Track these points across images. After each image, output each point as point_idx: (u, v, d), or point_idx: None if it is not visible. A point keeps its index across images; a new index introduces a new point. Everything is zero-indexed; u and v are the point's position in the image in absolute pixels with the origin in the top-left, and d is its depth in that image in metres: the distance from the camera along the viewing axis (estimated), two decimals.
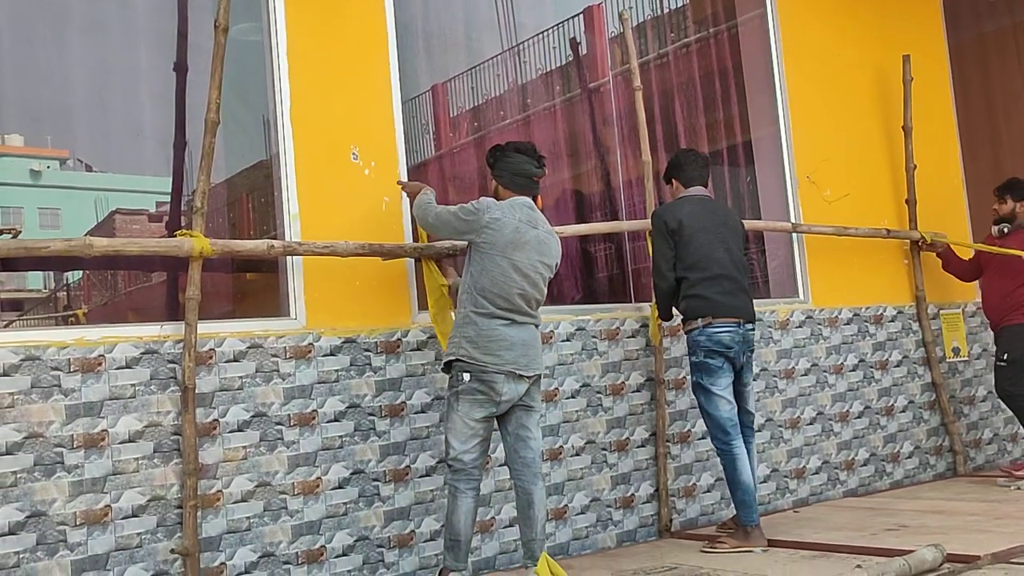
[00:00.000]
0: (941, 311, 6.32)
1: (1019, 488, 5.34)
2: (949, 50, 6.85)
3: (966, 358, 6.13)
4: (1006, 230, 5.77)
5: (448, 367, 3.80)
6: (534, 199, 3.93)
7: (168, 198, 4.54)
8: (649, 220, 4.89)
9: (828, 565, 3.76)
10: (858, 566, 3.45)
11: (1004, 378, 5.62)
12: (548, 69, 5.64)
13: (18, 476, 3.40)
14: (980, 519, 4.51)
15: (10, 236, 9.28)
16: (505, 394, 3.72)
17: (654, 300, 4.68)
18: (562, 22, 5.74)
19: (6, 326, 9.89)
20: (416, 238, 4.33)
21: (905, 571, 3.43)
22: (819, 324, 5.75)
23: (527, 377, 3.77)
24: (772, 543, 4.36)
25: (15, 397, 3.42)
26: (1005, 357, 5.59)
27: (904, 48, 6.35)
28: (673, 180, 4.68)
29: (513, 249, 3.76)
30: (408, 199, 4.24)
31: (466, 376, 3.70)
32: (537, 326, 3.90)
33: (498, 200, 3.87)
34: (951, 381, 6.31)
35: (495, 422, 3.84)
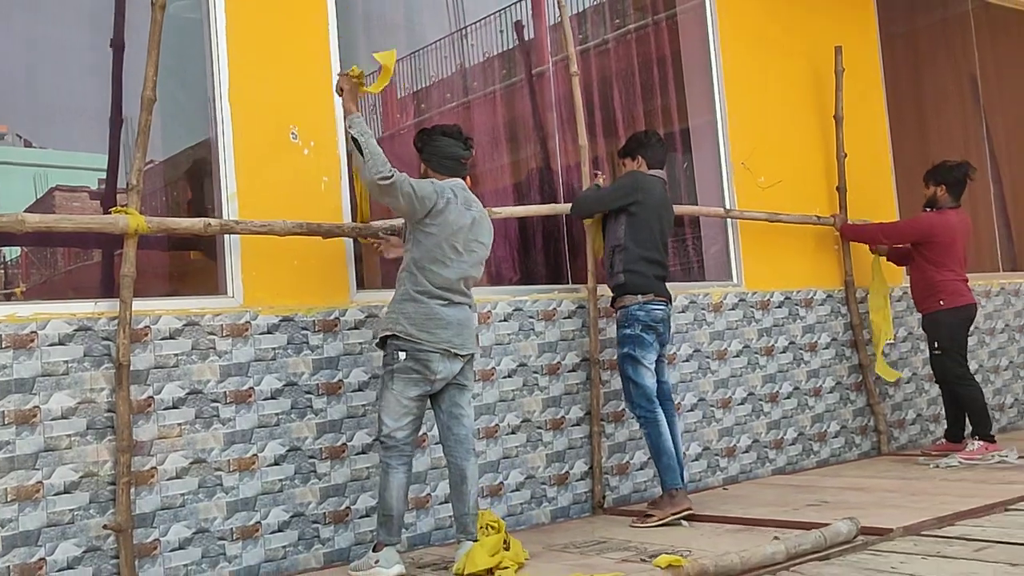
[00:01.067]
0: (869, 295, 6.51)
1: (937, 466, 5.56)
2: (882, 42, 7.04)
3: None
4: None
5: (383, 344, 3.86)
6: (464, 178, 4.02)
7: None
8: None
9: (750, 538, 3.90)
10: (776, 538, 3.60)
11: (943, 366, 5.79)
12: (492, 53, 5.68)
13: None
14: (896, 495, 4.70)
15: None
16: (439, 372, 3.80)
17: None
18: (507, 7, 5.78)
19: None
20: (355, 217, 4.37)
21: (821, 543, 3.58)
22: (751, 307, 5.91)
23: (461, 356, 3.86)
24: (700, 518, 4.52)
25: None
26: (936, 346, 5.80)
27: (838, 39, 6.52)
28: (638, 157, 4.83)
29: (450, 233, 3.84)
30: (344, 111, 3.97)
31: (401, 355, 3.77)
32: (472, 307, 3.98)
33: None
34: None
35: (428, 400, 3.91)
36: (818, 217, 6.22)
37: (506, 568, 3.65)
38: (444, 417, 3.93)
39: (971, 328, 6.01)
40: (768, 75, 6.25)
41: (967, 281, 5.90)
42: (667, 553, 3.53)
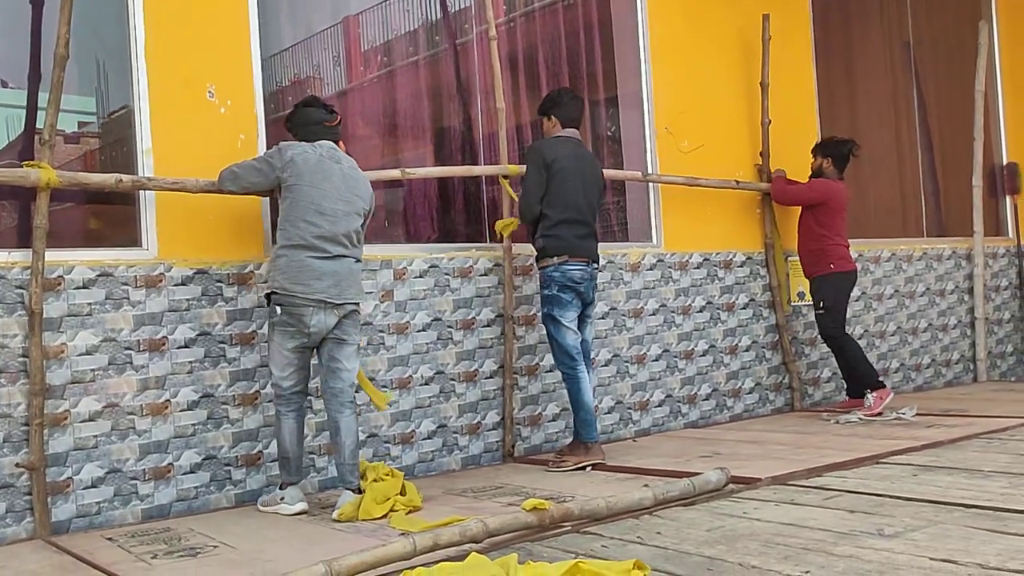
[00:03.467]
0: (788, 258, 6.75)
1: (838, 422, 5.84)
2: (813, 10, 7.19)
3: (809, 302, 6.58)
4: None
5: (268, 298, 4.07)
6: (336, 143, 4.20)
7: (91, 119, 4.70)
8: (501, 166, 5.22)
9: (632, 485, 4.15)
10: (645, 485, 3.85)
11: (825, 324, 6.18)
12: (419, 23, 5.79)
13: None
14: (785, 448, 4.98)
15: None
16: (314, 325, 3.99)
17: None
18: None
19: None
20: None
21: (690, 490, 3.83)
22: (669, 267, 6.13)
23: (336, 306, 4.01)
24: (600, 467, 4.79)
25: None
26: (821, 305, 6.14)
27: (768, 7, 6.66)
28: (552, 116, 4.98)
29: (319, 180, 4.01)
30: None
31: (278, 309, 3.99)
32: (357, 260, 4.14)
33: None
34: (795, 323, 6.79)
35: (312, 349, 4.11)
36: (737, 182, 6.43)
37: (396, 511, 3.89)
38: (323, 371, 4.14)
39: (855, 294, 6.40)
40: (696, 43, 6.40)
41: (850, 248, 6.27)
42: (552, 498, 3.78)
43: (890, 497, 3.67)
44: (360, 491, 3.99)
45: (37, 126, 4.13)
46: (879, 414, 5.87)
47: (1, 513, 3.83)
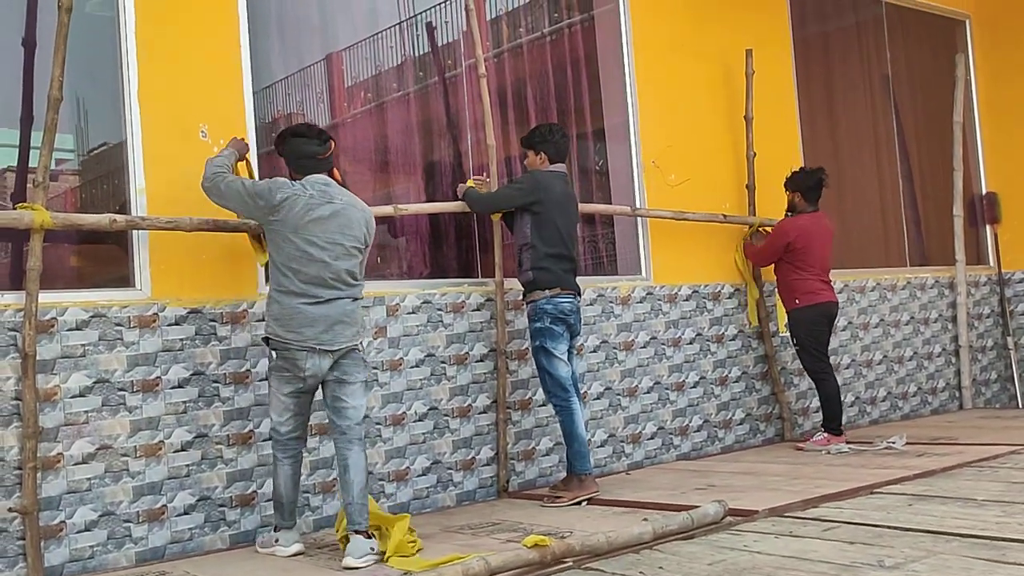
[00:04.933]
0: (776, 289, 6.80)
1: (828, 452, 5.87)
2: (795, 45, 7.32)
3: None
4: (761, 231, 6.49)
5: (267, 341, 4.04)
6: (330, 175, 4.10)
7: (71, 155, 4.68)
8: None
9: (630, 519, 4.15)
10: (644, 519, 3.85)
11: (803, 359, 6.25)
12: (408, 56, 5.84)
13: None
14: (780, 479, 4.99)
15: None
16: (308, 369, 3.92)
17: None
18: (424, 11, 5.92)
19: None
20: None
21: (688, 524, 3.84)
22: (659, 300, 6.17)
23: (330, 352, 3.93)
24: (595, 502, 4.78)
25: None
26: (795, 342, 6.22)
27: (751, 42, 6.78)
28: (541, 152, 5.03)
29: (307, 224, 3.91)
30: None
31: (274, 354, 3.97)
32: (354, 299, 4.05)
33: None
34: (783, 354, 6.83)
35: (311, 394, 4.05)
36: (724, 216, 6.49)
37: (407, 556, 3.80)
38: (328, 411, 4.07)
39: (833, 324, 6.37)
40: (680, 77, 6.49)
41: (827, 280, 6.26)
42: (551, 534, 3.77)
43: (888, 528, 3.69)
44: (370, 535, 3.85)
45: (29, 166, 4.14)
46: (820, 450, 5.96)
47: None
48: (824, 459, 5.66)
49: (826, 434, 6.08)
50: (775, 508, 4.15)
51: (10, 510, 3.81)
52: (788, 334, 6.32)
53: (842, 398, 6.41)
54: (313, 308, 3.92)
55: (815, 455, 5.85)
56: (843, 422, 6.23)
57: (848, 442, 6.04)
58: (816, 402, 6.91)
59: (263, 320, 4.52)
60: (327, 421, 4.21)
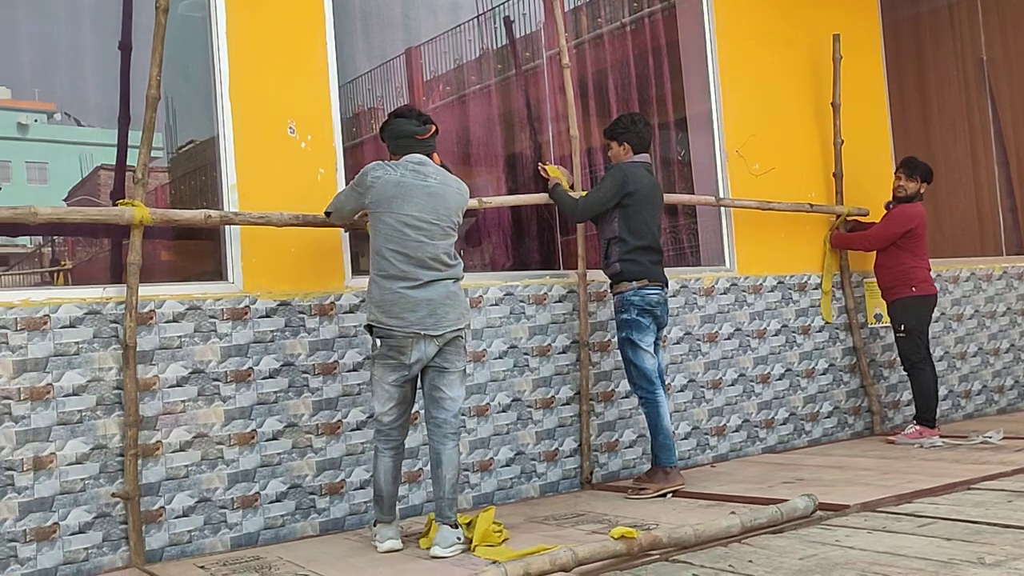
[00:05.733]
0: (865, 279, 6.65)
1: (921, 446, 5.71)
2: (884, 29, 7.12)
3: (887, 324, 6.46)
4: (890, 206, 6.20)
5: (370, 329, 4.00)
6: (429, 156, 4.05)
7: (159, 154, 4.82)
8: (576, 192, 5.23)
9: (717, 512, 4.11)
10: (732, 512, 3.80)
11: (906, 348, 6.04)
12: (490, 48, 5.87)
13: None
14: (871, 474, 4.88)
15: None
16: (413, 357, 3.86)
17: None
18: (505, 2, 5.95)
19: None
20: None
21: (777, 518, 3.78)
22: (743, 291, 6.08)
23: (435, 337, 3.89)
24: (680, 494, 4.75)
25: None
26: (902, 328, 6.01)
27: (838, 27, 6.62)
28: (625, 143, 5.00)
29: (400, 202, 3.86)
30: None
31: (378, 342, 3.89)
32: (455, 279, 3.96)
33: None
34: (872, 346, 6.67)
35: (414, 381, 4.02)
36: (811, 205, 6.36)
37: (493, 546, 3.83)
38: (426, 400, 4.01)
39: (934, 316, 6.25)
40: (765, 64, 6.38)
41: (931, 270, 6.15)
42: (636, 526, 3.75)
43: (987, 524, 3.57)
44: (456, 525, 3.88)
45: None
46: (912, 444, 5.82)
47: (98, 542, 3.93)
48: (917, 453, 5.51)
49: (919, 427, 5.92)
50: (867, 503, 4.06)
51: (113, 495, 3.96)
52: (889, 322, 6.17)
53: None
54: (414, 292, 3.84)
55: (907, 449, 5.71)
56: (936, 416, 6.05)
57: (942, 436, 5.87)
58: (907, 395, 6.75)
59: (350, 312, 4.63)
60: (415, 410, 4.24)
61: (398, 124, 4.05)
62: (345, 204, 4.13)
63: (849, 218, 6.49)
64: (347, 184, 4.41)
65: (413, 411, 4.21)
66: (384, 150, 4.24)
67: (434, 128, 4.07)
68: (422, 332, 3.84)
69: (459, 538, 3.82)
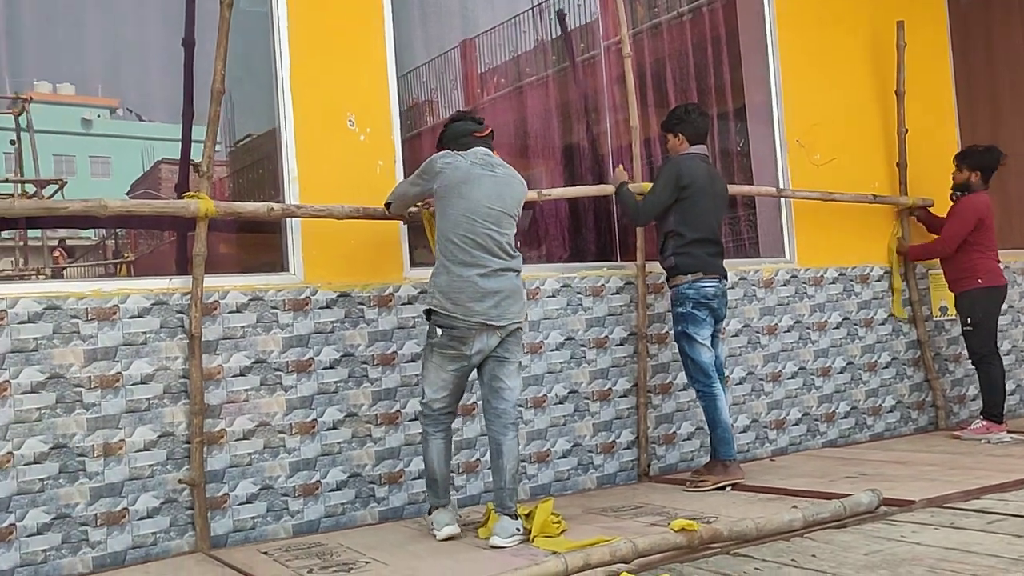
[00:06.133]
0: (930, 271, 6.51)
1: (988, 441, 5.58)
2: (950, 14, 6.95)
3: (953, 317, 6.33)
4: (955, 197, 6.06)
5: (428, 314, 4.00)
6: (490, 151, 4.11)
7: (217, 147, 4.91)
8: (636, 184, 5.18)
9: (777, 506, 4.06)
10: (794, 506, 3.76)
11: (973, 342, 5.91)
12: (546, 39, 5.87)
13: (42, 412, 3.83)
14: (936, 469, 4.78)
15: (56, 187, 9.80)
16: (475, 347, 3.88)
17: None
18: None
19: (62, 270, 10.47)
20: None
21: (840, 512, 3.72)
22: (804, 283, 6.00)
23: (499, 328, 3.90)
24: (739, 487, 4.70)
25: (39, 341, 3.84)
26: (968, 322, 5.87)
27: (902, 12, 6.48)
28: (680, 134, 4.95)
29: (468, 188, 3.90)
30: None
31: (439, 331, 3.89)
32: (517, 273, 3.99)
33: None
34: (937, 339, 6.54)
35: (472, 371, 4.03)
36: (874, 196, 6.24)
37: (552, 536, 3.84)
38: (485, 390, 4.02)
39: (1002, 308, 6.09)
40: (826, 52, 6.27)
41: (1000, 261, 5.99)
42: (696, 519, 3.73)
43: None
44: (516, 516, 3.89)
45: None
46: (978, 439, 5.68)
47: (165, 527, 4.03)
48: (983, 448, 5.38)
49: (985, 422, 5.78)
50: (933, 498, 3.98)
51: (180, 481, 4.05)
52: (956, 314, 6.03)
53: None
54: (485, 280, 3.85)
55: (973, 444, 5.58)
56: (1004, 411, 5.91)
57: (1009, 431, 5.72)
58: (973, 390, 6.61)
59: (408, 303, 4.66)
60: (473, 401, 4.26)
61: (456, 127, 4.14)
62: (408, 191, 4.16)
63: (913, 209, 6.35)
64: (405, 176, 4.45)
65: (471, 402, 4.24)
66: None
67: (489, 128, 4.17)
68: (487, 323, 3.86)
69: (519, 528, 3.83)
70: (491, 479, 4.10)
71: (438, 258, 3.96)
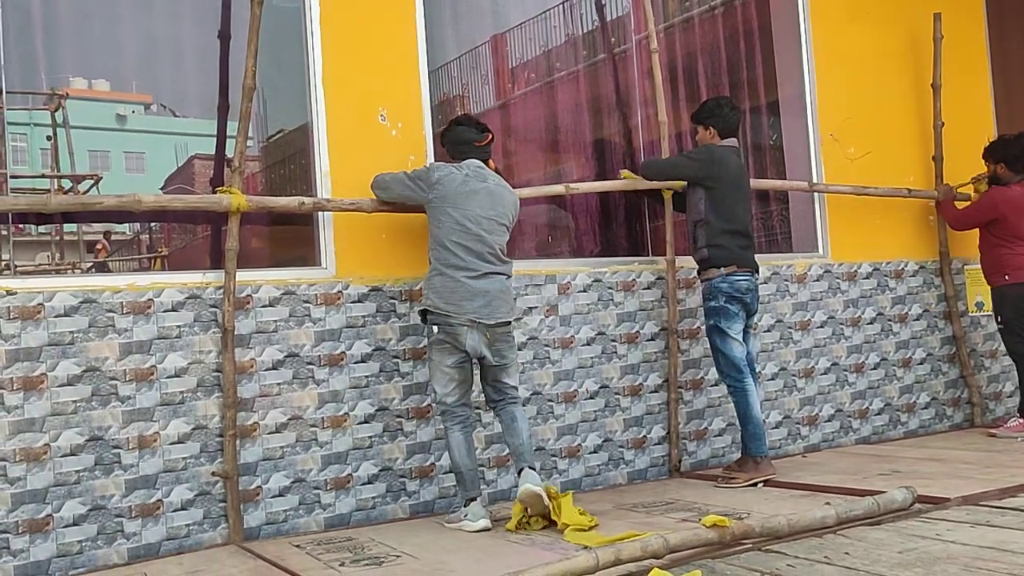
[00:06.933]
0: (966, 266, 6.43)
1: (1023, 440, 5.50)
2: (988, 5, 6.84)
3: (989, 312, 6.24)
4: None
5: (424, 316, 4.19)
6: (485, 163, 4.32)
7: (249, 142, 4.94)
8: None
9: (810, 503, 4.03)
10: (827, 503, 3.72)
11: (1006, 339, 5.82)
12: (576, 33, 5.85)
13: (78, 405, 3.88)
14: (971, 467, 4.71)
15: (92, 183, 9.93)
16: (468, 342, 4.10)
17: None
18: None
19: (90, 267, 10.62)
20: None
21: (874, 509, 3.68)
22: (837, 278, 5.94)
23: (488, 326, 4.11)
24: (771, 484, 4.67)
25: (75, 335, 3.90)
26: (1000, 319, 5.79)
27: (939, 5, 6.39)
28: (711, 127, 4.93)
29: (463, 200, 4.14)
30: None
31: (435, 328, 4.12)
32: (507, 276, 4.24)
33: None
34: (973, 335, 6.45)
35: (471, 363, 4.20)
36: (909, 191, 6.16)
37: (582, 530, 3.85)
38: (489, 390, 4.29)
39: None
40: (861, 45, 6.20)
41: None
42: (727, 515, 3.71)
43: None
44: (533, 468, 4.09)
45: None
46: (1015, 437, 5.59)
47: (199, 519, 4.07)
48: (1020, 446, 5.31)
49: (1022, 419, 5.69)
50: (969, 496, 3.93)
51: (213, 474, 4.09)
52: (991, 311, 5.94)
53: None
54: (474, 282, 4.10)
55: (1009, 442, 5.50)
56: None
57: None
58: (1010, 386, 6.52)
59: (423, 300, 4.66)
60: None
61: (459, 131, 4.35)
62: (398, 190, 4.32)
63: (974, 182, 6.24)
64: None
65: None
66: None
67: (490, 136, 4.36)
68: (477, 320, 4.08)
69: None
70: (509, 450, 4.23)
71: (432, 263, 4.18)
